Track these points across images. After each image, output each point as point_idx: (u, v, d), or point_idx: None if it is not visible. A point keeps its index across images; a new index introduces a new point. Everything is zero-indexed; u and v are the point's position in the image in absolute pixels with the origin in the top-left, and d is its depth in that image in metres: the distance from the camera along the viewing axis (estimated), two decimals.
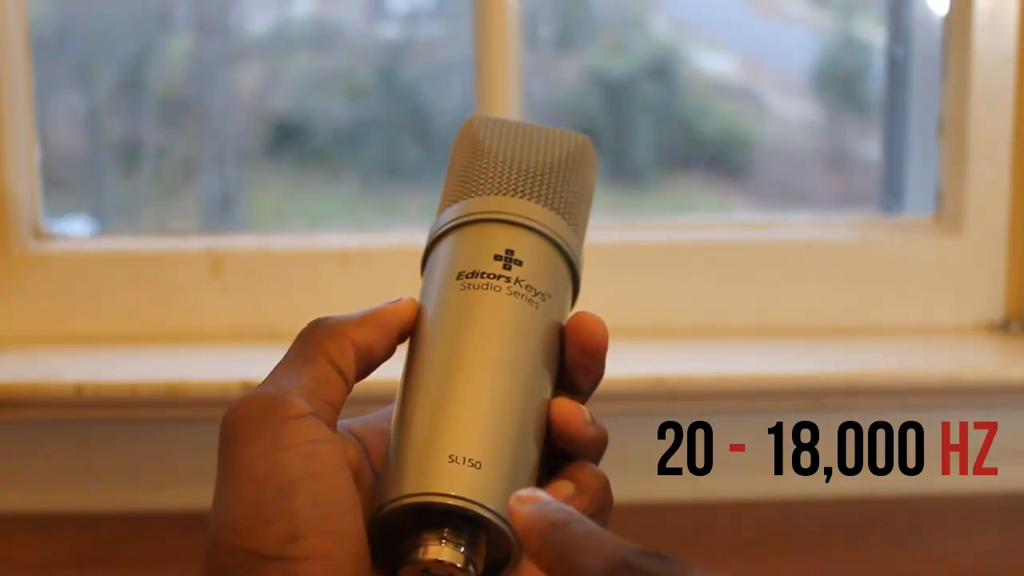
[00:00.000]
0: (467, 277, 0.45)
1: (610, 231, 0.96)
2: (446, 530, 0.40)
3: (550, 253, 0.47)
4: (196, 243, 0.95)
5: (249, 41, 1.09)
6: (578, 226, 0.48)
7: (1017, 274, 0.96)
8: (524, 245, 0.46)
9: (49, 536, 0.86)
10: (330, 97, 1.09)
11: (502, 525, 0.40)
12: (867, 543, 0.85)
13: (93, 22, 1.05)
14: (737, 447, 0.90)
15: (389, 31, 1.13)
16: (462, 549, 0.40)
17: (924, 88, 1.02)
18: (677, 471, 0.89)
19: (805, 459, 0.90)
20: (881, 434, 0.90)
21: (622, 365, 0.86)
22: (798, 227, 0.99)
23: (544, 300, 0.45)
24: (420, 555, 0.40)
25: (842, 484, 0.90)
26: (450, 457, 0.41)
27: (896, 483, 0.90)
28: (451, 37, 1.07)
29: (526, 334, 0.44)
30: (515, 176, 0.47)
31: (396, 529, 0.41)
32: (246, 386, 0.80)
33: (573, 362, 0.46)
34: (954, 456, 0.90)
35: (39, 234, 0.95)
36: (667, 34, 1.12)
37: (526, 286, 0.45)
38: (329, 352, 0.43)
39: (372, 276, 0.92)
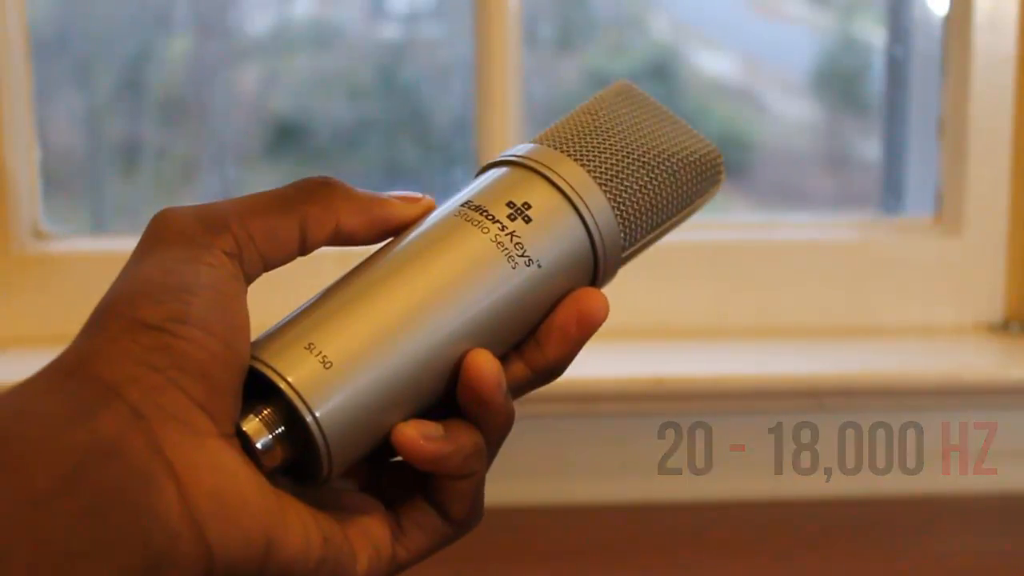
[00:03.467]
0: (469, 207, 0.43)
1: None
2: (269, 411, 0.39)
3: (570, 225, 0.44)
4: None
5: (249, 41, 1.09)
6: (633, 223, 0.45)
7: (1017, 274, 0.96)
8: (548, 210, 0.43)
9: None
10: (330, 97, 1.09)
11: (316, 433, 0.39)
12: (867, 543, 0.85)
13: (93, 22, 1.05)
14: (737, 447, 0.90)
15: (389, 31, 1.13)
16: (270, 434, 0.39)
17: (924, 88, 1.02)
18: (677, 471, 0.89)
19: (805, 459, 0.90)
20: (881, 434, 0.90)
21: (622, 365, 0.86)
22: (798, 227, 0.99)
23: (528, 266, 0.43)
24: (239, 418, 0.39)
25: (842, 484, 0.90)
26: (308, 345, 0.40)
27: (896, 483, 0.90)
28: (451, 37, 1.07)
29: (483, 283, 0.42)
30: (594, 149, 0.45)
31: (256, 384, 0.40)
32: None
33: (558, 324, 0.43)
34: (954, 456, 0.90)
35: (39, 234, 0.95)
36: (667, 34, 1.12)
37: (516, 243, 0.43)
38: (307, 218, 0.41)
39: None
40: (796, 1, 1.14)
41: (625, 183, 0.45)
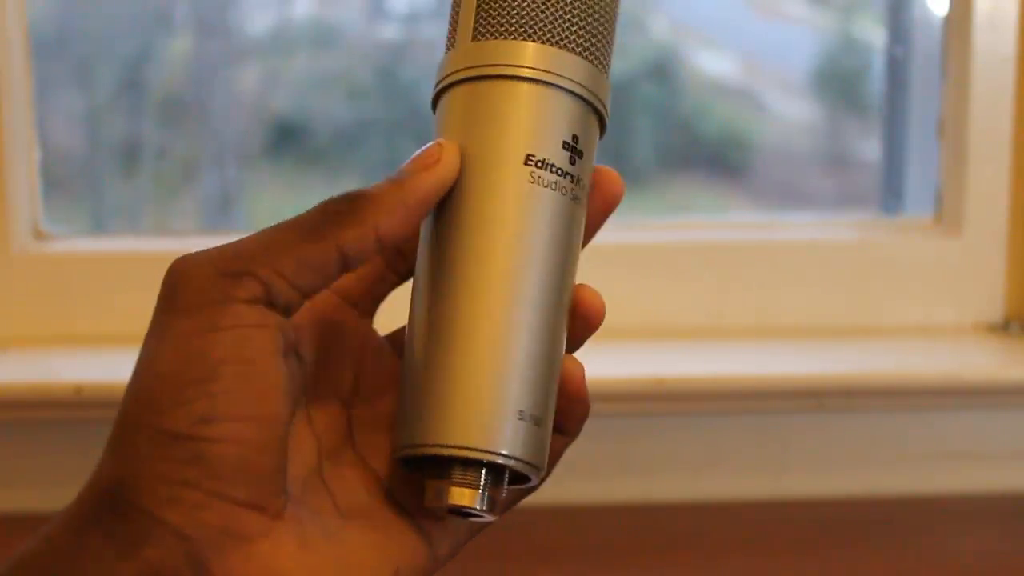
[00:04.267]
0: (537, 166, 0.39)
1: (610, 231, 0.95)
2: (469, 475, 0.38)
3: (597, 133, 0.41)
4: (196, 243, 0.94)
5: (249, 41, 1.09)
6: (607, 57, 0.42)
7: (1017, 274, 0.96)
8: (585, 130, 0.40)
9: None
10: (330, 97, 1.09)
11: (529, 471, 0.39)
12: (867, 543, 0.85)
13: (93, 22, 1.05)
14: (737, 447, 0.90)
15: (389, 31, 1.13)
16: (491, 498, 0.39)
17: (924, 88, 1.02)
18: (677, 471, 0.89)
19: (805, 459, 0.90)
20: (881, 434, 0.90)
21: (622, 365, 0.86)
22: (798, 227, 0.99)
23: (587, 193, 0.41)
24: (450, 498, 0.38)
25: (842, 484, 0.90)
26: (519, 413, 0.38)
27: (896, 483, 0.90)
28: None
29: (575, 252, 0.40)
30: (583, 26, 0.40)
31: (429, 462, 0.39)
32: None
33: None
34: (954, 456, 0.90)
35: (39, 234, 0.95)
36: (667, 34, 1.12)
37: (582, 185, 0.40)
38: (344, 241, 0.38)
39: None
40: (796, 1, 1.14)
41: (608, 44, 0.42)
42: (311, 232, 0.39)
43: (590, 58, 0.41)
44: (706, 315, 0.95)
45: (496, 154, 0.39)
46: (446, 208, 0.40)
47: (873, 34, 1.11)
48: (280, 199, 1.10)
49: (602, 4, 0.41)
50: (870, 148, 1.12)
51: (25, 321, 0.93)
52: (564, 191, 0.39)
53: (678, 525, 0.88)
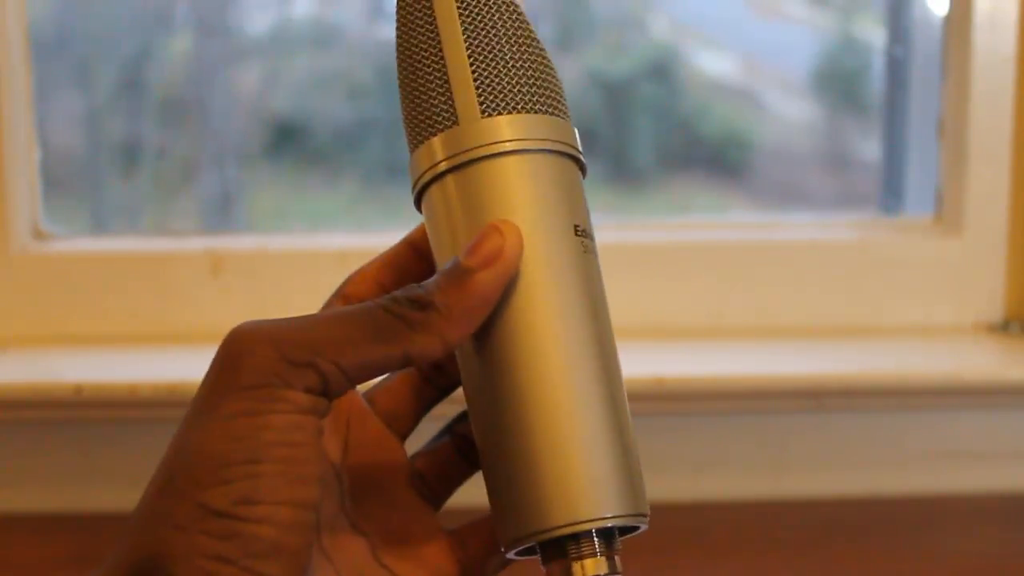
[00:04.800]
0: (582, 235, 0.39)
1: (610, 231, 0.96)
2: (598, 543, 0.40)
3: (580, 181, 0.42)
4: (196, 243, 0.95)
5: (249, 41, 1.09)
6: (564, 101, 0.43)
7: (1017, 274, 0.96)
8: (581, 188, 0.41)
9: (49, 536, 0.86)
10: (330, 97, 1.09)
11: (643, 521, 0.41)
12: (867, 543, 0.85)
13: (93, 22, 1.05)
14: (737, 447, 0.90)
15: (389, 31, 1.13)
16: (611, 557, 0.40)
17: (924, 88, 1.02)
18: (677, 471, 0.89)
19: (805, 459, 0.90)
20: (881, 434, 0.90)
21: (622, 365, 0.86)
22: (798, 227, 0.99)
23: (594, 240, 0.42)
24: (581, 571, 0.40)
25: (842, 484, 0.90)
26: (594, 479, 0.40)
27: (896, 483, 0.90)
28: None
29: (600, 284, 0.41)
30: (549, 88, 0.41)
31: (545, 547, 0.40)
32: None
33: None
34: (954, 456, 0.90)
35: (39, 234, 0.95)
36: (667, 34, 1.12)
37: (592, 239, 0.41)
38: (411, 347, 0.38)
39: None
40: (796, 1, 1.14)
41: (556, 92, 0.42)
42: (381, 333, 0.38)
43: (562, 114, 0.42)
44: (706, 315, 0.95)
45: (550, 231, 0.39)
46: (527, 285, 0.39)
47: (873, 34, 1.11)
48: (280, 199, 1.10)
49: (544, 60, 0.43)
50: (870, 148, 1.12)
51: (25, 321, 0.93)
52: (595, 254, 0.41)
53: (678, 525, 0.88)
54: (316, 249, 0.94)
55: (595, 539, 0.40)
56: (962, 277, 0.96)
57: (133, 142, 1.07)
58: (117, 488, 0.87)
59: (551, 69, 0.42)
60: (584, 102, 1.08)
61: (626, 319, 0.94)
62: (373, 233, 0.97)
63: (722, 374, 0.85)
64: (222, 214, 1.09)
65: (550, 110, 0.41)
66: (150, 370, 0.85)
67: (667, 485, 0.89)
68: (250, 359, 0.37)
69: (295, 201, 1.11)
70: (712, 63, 1.13)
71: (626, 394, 0.43)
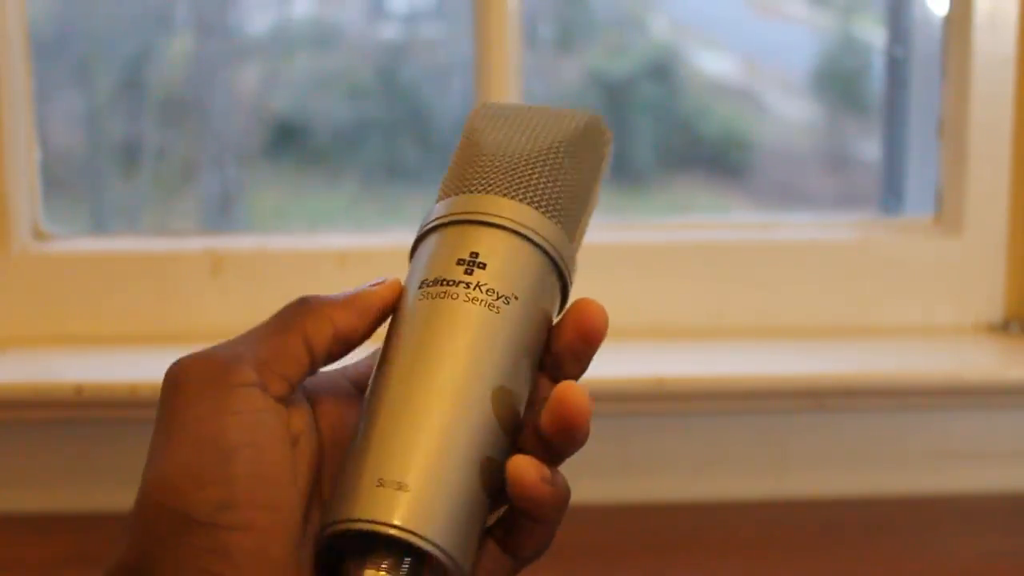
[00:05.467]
0: (428, 285, 0.44)
1: (610, 231, 0.96)
2: (387, 561, 0.39)
3: (521, 250, 0.45)
4: (196, 243, 0.95)
5: (249, 41, 1.09)
6: (567, 217, 0.46)
7: (1017, 274, 0.96)
8: (491, 246, 0.44)
9: (49, 536, 0.86)
10: (330, 97, 1.09)
11: (436, 552, 0.39)
12: (867, 543, 0.85)
13: (93, 22, 1.05)
14: (737, 447, 0.90)
15: (389, 31, 1.13)
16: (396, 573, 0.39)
17: (924, 88, 1.02)
18: (677, 471, 0.89)
19: (805, 459, 0.90)
20: (881, 434, 0.90)
21: (622, 365, 0.86)
22: (798, 227, 0.99)
23: (509, 303, 0.44)
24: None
25: (842, 484, 0.90)
26: (378, 481, 0.40)
27: (896, 483, 0.90)
28: (451, 37, 1.07)
29: (483, 346, 0.43)
30: (497, 172, 0.46)
31: (343, 551, 0.40)
32: None
33: (566, 346, 0.44)
34: (954, 456, 0.90)
35: (39, 234, 0.95)
36: (667, 34, 1.12)
37: (487, 290, 0.43)
38: (306, 329, 0.42)
39: (372, 277, 0.92)
40: (796, 1, 1.14)
41: (537, 186, 0.46)
42: (281, 324, 0.43)
43: (499, 190, 0.46)
44: (706, 315, 0.95)
45: (408, 285, 0.45)
46: (387, 336, 0.45)
47: (873, 34, 1.11)
48: (280, 199, 1.10)
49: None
50: (870, 148, 1.12)
51: (25, 321, 0.93)
52: (455, 297, 0.43)
53: (678, 525, 0.88)
54: (316, 249, 0.94)
55: (385, 549, 0.40)
56: (962, 277, 0.96)
57: (133, 142, 1.07)
58: (117, 488, 0.87)
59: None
60: (584, 102, 1.08)
61: (626, 319, 0.94)
62: (373, 233, 0.97)
63: (722, 374, 0.85)
64: (222, 214, 1.09)
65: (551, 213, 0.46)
66: (150, 370, 0.84)
67: (667, 485, 0.89)
68: (188, 374, 0.40)
69: (295, 201, 1.11)
70: (712, 63, 1.13)
71: (499, 459, 0.42)
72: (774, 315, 0.96)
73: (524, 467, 0.41)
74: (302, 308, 0.43)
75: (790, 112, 1.15)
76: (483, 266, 0.44)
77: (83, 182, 1.08)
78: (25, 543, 0.85)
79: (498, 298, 0.44)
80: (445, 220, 0.45)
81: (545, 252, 0.45)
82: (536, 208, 0.45)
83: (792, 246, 0.96)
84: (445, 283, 0.44)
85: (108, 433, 0.87)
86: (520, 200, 0.45)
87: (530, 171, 0.46)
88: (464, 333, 0.43)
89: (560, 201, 0.46)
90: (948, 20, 0.95)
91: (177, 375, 0.40)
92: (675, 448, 0.89)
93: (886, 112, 1.08)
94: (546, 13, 1.06)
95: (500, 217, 0.45)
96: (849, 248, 0.96)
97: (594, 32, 1.11)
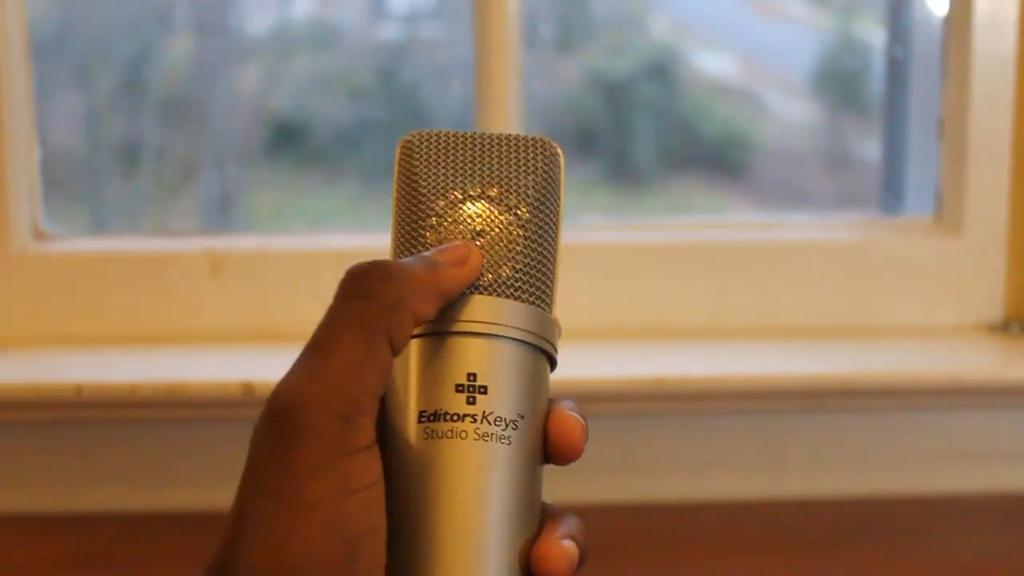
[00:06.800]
0: (429, 420, 0.40)
1: (610, 231, 0.96)
2: None
3: (517, 357, 0.42)
4: (196, 243, 0.95)
5: (249, 41, 1.09)
6: (544, 287, 0.43)
7: (1017, 274, 0.96)
8: (487, 362, 0.41)
9: (49, 536, 0.86)
10: (330, 97, 1.09)
11: None
12: (867, 543, 0.85)
13: (93, 22, 1.05)
14: (737, 447, 0.90)
15: (389, 31, 1.13)
16: None
17: (924, 88, 1.02)
18: (677, 471, 0.89)
19: (805, 459, 0.90)
20: (881, 434, 0.90)
21: (622, 365, 0.86)
22: (798, 227, 0.99)
23: (517, 427, 0.41)
24: None
25: (842, 484, 0.90)
26: None
27: (896, 483, 0.90)
28: (451, 37, 1.07)
29: (501, 486, 0.40)
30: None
31: None
32: (246, 387, 0.80)
33: (550, 453, 0.43)
34: (954, 456, 0.90)
35: (39, 234, 0.95)
36: (667, 34, 1.12)
37: (495, 419, 0.40)
38: (393, 335, 0.38)
39: None
40: (796, 1, 1.14)
41: (509, 279, 0.42)
42: (366, 337, 0.38)
43: (545, 304, 0.43)
44: (706, 315, 0.95)
45: (403, 412, 0.41)
46: (387, 469, 0.41)
47: (873, 34, 1.11)
48: (280, 199, 1.10)
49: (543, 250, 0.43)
50: (870, 148, 1.12)
51: (25, 321, 0.93)
52: (463, 436, 0.40)
53: (678, 525, 0.88)
54: (316, 249, 0.94)
55: None
56: (962, 277, 0.96)
57: (133, 142, 1.07)
58: (117, 488, 0.87)
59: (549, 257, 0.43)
60: (584, 102, 1.08)
61: (626, 319, 0.94)
62: (373, 234, 0.97)
63: (722, 374, 0.85)
64: (222, 214, 1.09)
65: (533, 299, 0.42)
66: (150, 370, 0.85)
67: (667, 485, 0.89)
68: (310, 429, 0.36)
69: (295, 201, 1.11)
70: (712, 63, 1.13)
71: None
72: (774, 315, 0.96)
73: (553, 552, 0.42)
74: (386, 301, 0.39)
75: (790, 112, 1.15)
76: (484, 390, 0.41)
77: (83, 182, 1.08)
78: (25, 543, 0.85)
79: (507, 426, 0.41)
80: (425, 331, 0.41)
81: (538, 348, 0.42)
82: (517, 300, 0.42)
83: (792, 246, 0.96)
84: (448, 418, 0.40)
85: (108, 433, 0.87)
86: (498, 296, 0.42)
87: (497, 256, 0.42)
88: (485, 483, 0.40)
89: (534, 277, 0.43)
90: (948, 20, 0.95)
91: (289, 423, 0.36)
92: (675, 448, 0.89)
93: (886, 112, 1.08)
94: (546, 13, 1.06)
95: (486, 324, 0.41)
96: (849, 248, 0.96)
97: (594, 32, 1.11)
